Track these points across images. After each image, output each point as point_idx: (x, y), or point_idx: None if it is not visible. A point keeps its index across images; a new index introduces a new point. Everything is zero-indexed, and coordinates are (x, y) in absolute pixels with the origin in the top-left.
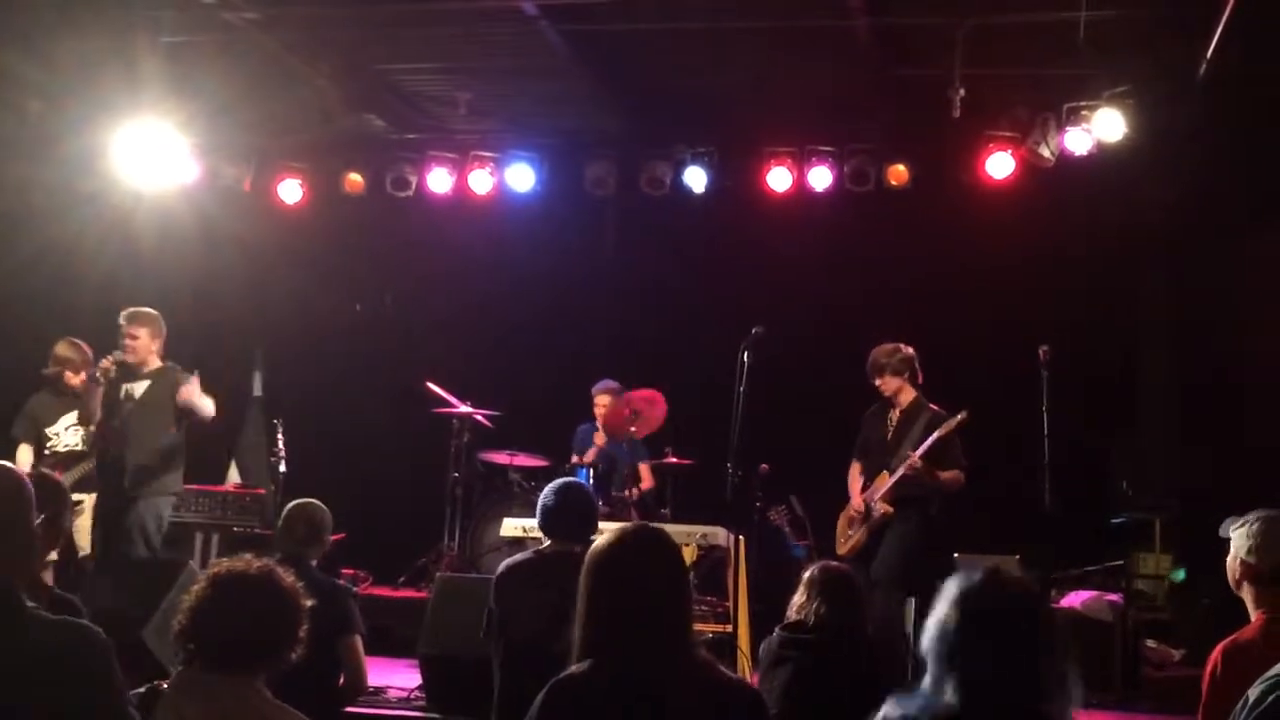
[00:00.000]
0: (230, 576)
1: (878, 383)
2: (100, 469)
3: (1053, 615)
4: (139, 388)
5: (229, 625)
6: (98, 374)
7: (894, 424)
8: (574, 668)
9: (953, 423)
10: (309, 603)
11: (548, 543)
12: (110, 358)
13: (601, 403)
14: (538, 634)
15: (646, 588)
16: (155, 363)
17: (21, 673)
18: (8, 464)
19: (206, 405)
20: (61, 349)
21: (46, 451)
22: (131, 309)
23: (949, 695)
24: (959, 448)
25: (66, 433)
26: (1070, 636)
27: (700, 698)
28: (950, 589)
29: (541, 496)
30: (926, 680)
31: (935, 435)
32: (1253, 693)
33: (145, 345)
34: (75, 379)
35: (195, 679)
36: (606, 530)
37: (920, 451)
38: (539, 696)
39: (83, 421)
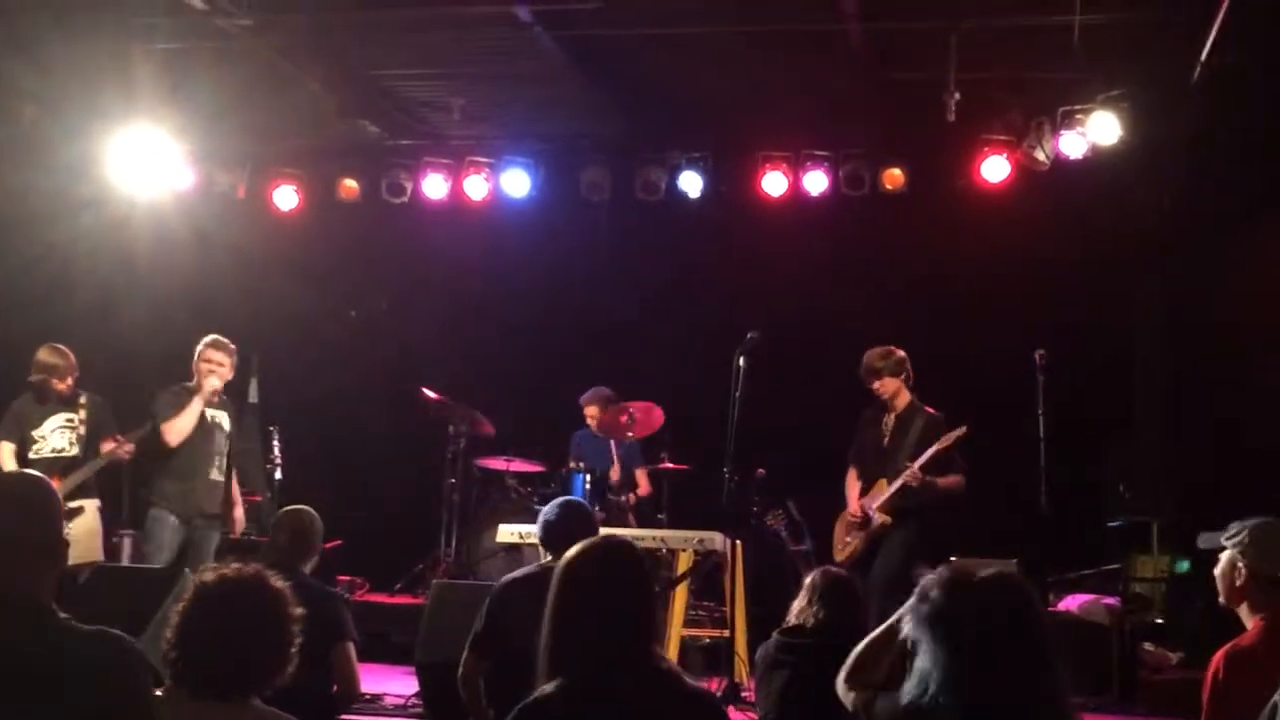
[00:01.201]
0: (217, 592)
1: (876, 386)
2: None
3: (1040, 613)
4: (223, 418)
5: (217, 649)
6: (209, 397)
7: (890, 429)
8: (542, 690)
9: (952, 437)
10: (299, 611)
11: (548, 557)
12: (217, 381)
13: (590, 414)
14: (538, 647)
15: (610, 602)
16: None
17: (55, 683)
18: (38, 474)
19: None
20: (45, 355)
21: (32, 454)
22: (214, 337)
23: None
24: (958, 453)
25: (53, 435)
26: (1056, 632)
27: (665, 707)
28: (925, 594)
29: (543, 512)
30: (914, 684)
31: (935, 449)
32: None
33: (228, 376)
34: (61, 385)
35: (184, 702)
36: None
37: (919, 463)
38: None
39: (91, 428)
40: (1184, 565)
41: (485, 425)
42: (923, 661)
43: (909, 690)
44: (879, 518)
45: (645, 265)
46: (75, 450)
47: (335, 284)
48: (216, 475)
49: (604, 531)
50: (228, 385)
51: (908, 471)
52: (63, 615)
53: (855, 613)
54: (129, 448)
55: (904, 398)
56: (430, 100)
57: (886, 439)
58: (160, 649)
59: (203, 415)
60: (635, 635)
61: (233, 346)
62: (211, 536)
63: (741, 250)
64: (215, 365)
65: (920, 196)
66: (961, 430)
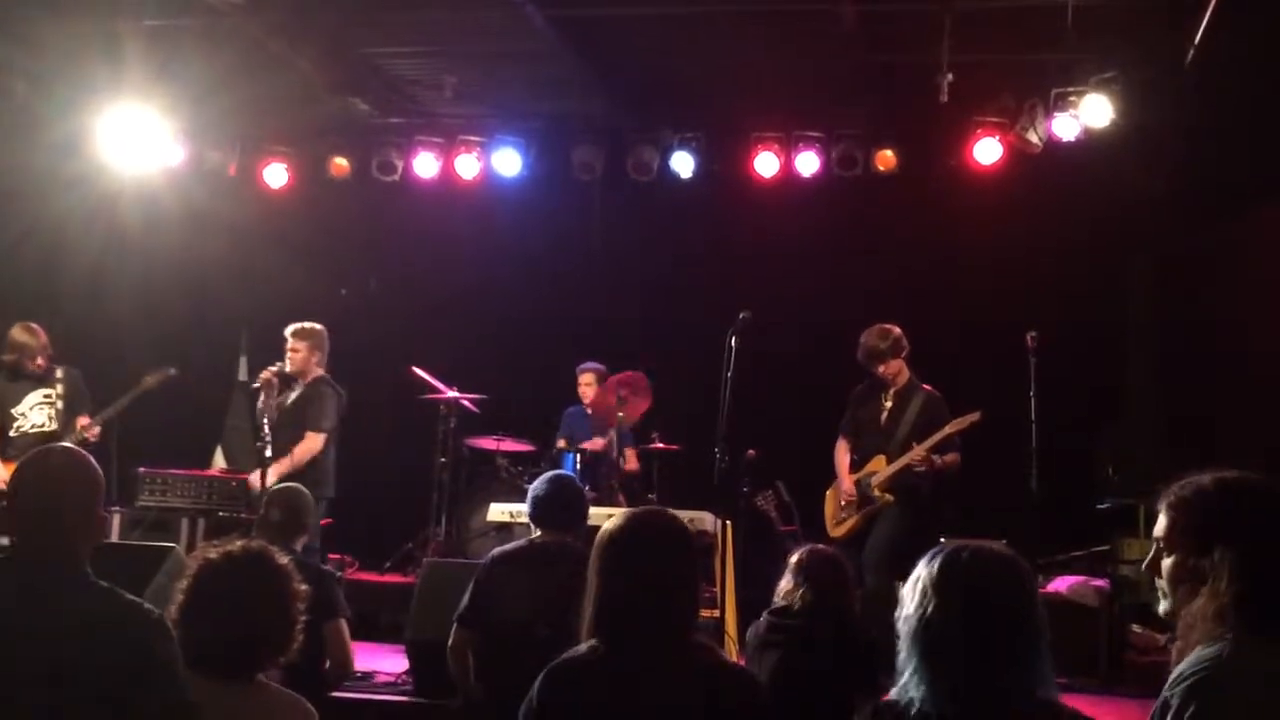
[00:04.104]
0: (222, 568)
1: (880, 369)
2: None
3: (1036, 591)
4: (290, 396)
5: (222, 626)
6: (259, 385)
7: (889, 406)
8: (574, 651)
9: (966, 422)
10: (304, 588)
11: (538, 533)
12: (271, 369)
13: (585, 382)
14: (525, 623)
15: (650, 572)
16: (312, 374)
17: (84, 638)
18: (77, 448)
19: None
20: (17, 334)
21: (13, 432)
22: (297, 324)
23: (929, 689)
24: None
25: (33, 412)
26: (1050, 619)
27: (698, 681)
28: (925, 570)
29: (532, 488)
30: (905, 672)
31: (947, 432)
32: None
33: (303, 357)
34: (33, 364)
35: (191, 683)
36: (593, 518)
37: (927, 446)
38: (539, 679)
39: (68, 402)
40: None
41: (468, 406)
42: (907, 662)
43: (895, 691)
44: (882, 498)
45: (636, 245)
46: (54, 425)
47: (325, 262)
48: None
49: (593, 511)
50: (222, 367)
51: (916, 453)
52: (103, 584)
53: (842, 590)
54: (95, 430)
55: (904, 375)
56: (421, 78)
57: (885, 416)
58: None
59: (283, 402)
60: (672, 606)
61: (317, 329)
62: None
63: (733, 230)
64: (290, 352)
65: (912, 178)
66: (976, 416)
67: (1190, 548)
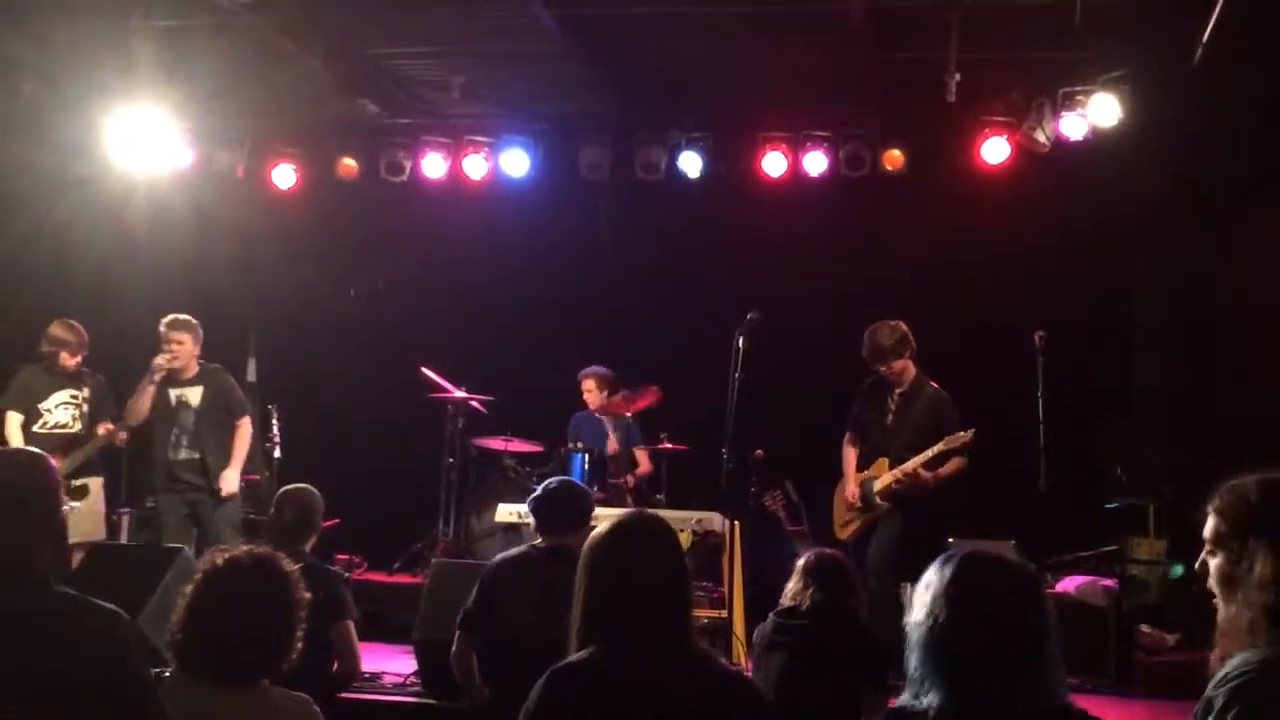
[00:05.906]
0: (226, 574)
1: (885, 369)
2: (170, 469)
3: (1047, 599)
4: (193, 394)
5: (226, 632)
6: (154, 375)
7: (895, 406)
8: (572, 657)
9: (957, 440)
10: (307, 595)
11: (539, 538)
12: (162, 359)
13: (587, 388)
14: (531, 627)
15: (643, 578)
16: (196, 367)
17: (42, 647)
18: (40, 452)
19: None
20: (57, 330)
21: (37, 427)
22: (172, 316)
23: (944, 695)
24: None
25: (58, 410)
26: (1058, 619)
27: (699, 689)
28: (937, 577)
29: (536, 492)
30: (918, 678)
31: (937, 450)
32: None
33: (189, 351)
34: (70, 361)
35: (192, 685)
36: (603, 518)
37: (918, 462)
38: (537, 685)
39: (93, 406)
40: (1178, 570)
41: (477, 407)
42: (921, 668)
43: (905, 696)
44: (882, 507)
45: (645, 245)
46: (78, 427)
47: (334, 263)
48: None
49: (601, 512)
50: (231, 368)
51: (906, 468)
52: (68, 590)
53: (849, 594)
54: (123, 436)
55: (910, 374)
56: (430, 78)
57: (890, 416)
58: (161, 628)
59: (167, 398)
60: (666, 611)
61: (193, 320)
62: (221, 506)
63: (741, 230)
64: (174, 345)
65: (920, 177)
66: (968, 437)
67: (1232, 549)
